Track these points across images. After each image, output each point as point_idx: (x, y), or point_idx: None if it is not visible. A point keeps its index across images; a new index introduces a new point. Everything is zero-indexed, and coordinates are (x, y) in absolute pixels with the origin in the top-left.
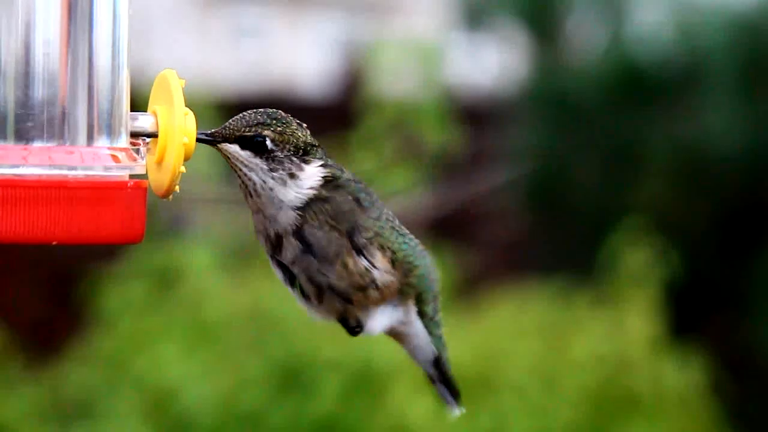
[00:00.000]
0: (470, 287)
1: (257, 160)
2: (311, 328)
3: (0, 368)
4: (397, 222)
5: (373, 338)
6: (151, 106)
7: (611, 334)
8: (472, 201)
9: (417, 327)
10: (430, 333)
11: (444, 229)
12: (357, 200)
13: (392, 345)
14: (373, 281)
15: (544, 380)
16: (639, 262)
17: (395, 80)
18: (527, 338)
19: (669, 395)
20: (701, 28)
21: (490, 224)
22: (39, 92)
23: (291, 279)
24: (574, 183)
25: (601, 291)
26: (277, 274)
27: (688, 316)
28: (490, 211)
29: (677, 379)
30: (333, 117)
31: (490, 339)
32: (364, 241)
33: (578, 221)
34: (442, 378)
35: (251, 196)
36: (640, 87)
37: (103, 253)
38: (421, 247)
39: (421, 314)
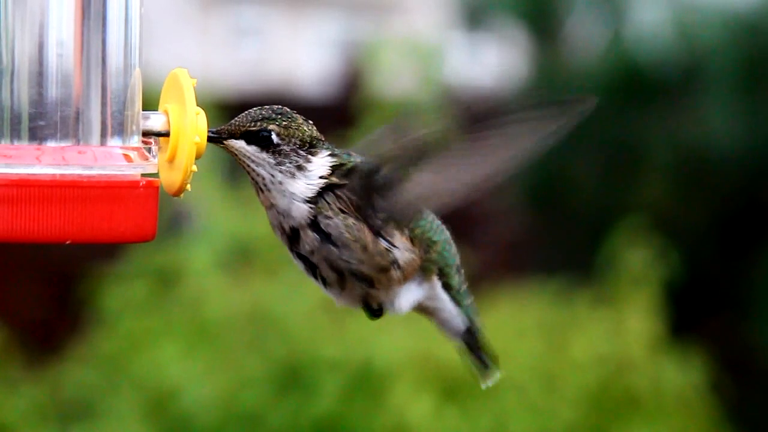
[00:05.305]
0: (470, 287)
1: (264, 155)
2: (311, 328)
3: (0, 368)
4: None
5: (373, 338)
6: (161, 105)
7: (611, 334)
8: (473, 201)
9: (444, 300)
10: (459, 304)
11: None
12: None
13: (392, 345)
14: (395, 261)
15: (544, 380)
16: (639, 262)
17: (395, 80)
18: (527, 338)
19: (669, 395)
20: (701, 28)
21: (490, 224)
22: (52, 92)
23: (312, 269)
24: (574, 182)
25: (601, 291)
26: (299, 265)
27: (688, 316)
28: (490, 211)
29: (677, 379)
30: (333, 116)
31: (490, 339)
32: (381, 222)
33: (578, 221)
34: (476, 345)
35: (262, 191)
36: (640, 87)
37: (103, 253)
38: (438, 221)
39: (447, 287)
